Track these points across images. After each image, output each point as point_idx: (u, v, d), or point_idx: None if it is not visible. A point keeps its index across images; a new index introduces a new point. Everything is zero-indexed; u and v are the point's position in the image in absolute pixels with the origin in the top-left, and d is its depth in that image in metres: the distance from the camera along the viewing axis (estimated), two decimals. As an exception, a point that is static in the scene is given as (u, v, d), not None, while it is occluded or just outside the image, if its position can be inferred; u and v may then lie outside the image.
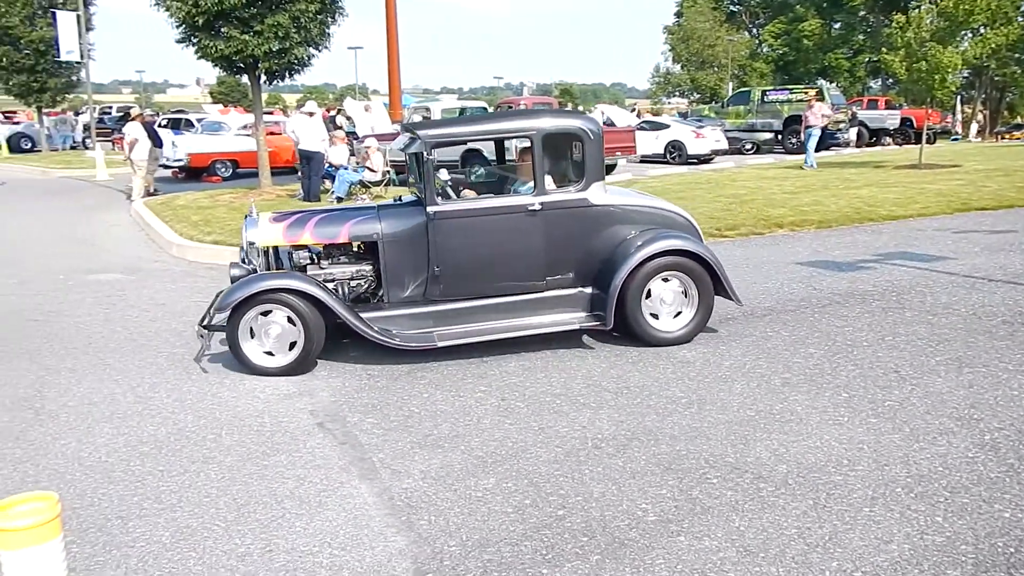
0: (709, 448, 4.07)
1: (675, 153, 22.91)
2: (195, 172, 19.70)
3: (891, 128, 32.53)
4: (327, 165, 14.86)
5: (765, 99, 28.41)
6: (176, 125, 26.58)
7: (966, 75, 67.57)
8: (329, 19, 15.49)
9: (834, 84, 54.31)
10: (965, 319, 6.28)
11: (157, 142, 16.97)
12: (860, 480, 3.68)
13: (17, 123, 38.15)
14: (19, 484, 3.89)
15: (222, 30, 14.57)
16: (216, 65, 15.58)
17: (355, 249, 6.04)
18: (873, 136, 32.56)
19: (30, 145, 34.17)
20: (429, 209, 5.55)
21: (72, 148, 35.11)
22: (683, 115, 33.90)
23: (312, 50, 15.55)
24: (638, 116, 34.04)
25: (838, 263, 8.63)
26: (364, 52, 61.34)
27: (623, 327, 5.87)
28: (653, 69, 72.32)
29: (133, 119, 16.74)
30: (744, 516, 3.39)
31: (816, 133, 19.48)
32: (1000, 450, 3.94)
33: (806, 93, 27.87)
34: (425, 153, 5.51)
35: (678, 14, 70.77)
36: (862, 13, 59.32)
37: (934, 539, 3.17)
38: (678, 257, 5.81)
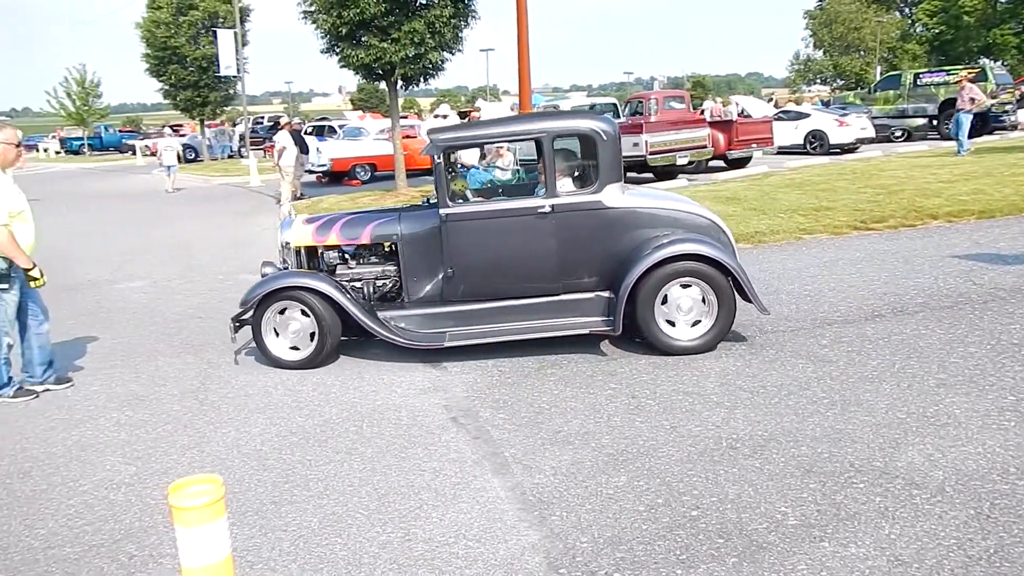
0: (854, 451, 3.87)
1: (816, 143, 21.86)
2: (337, 176, 20.66)
3: (1063, 107, 29.69)
4: (459, 165, 15.19)
5: (918, 82, 26.58)
6: (320, 132, 27.98)
7: None
8: (462, 23, 15.84)
9: (999, 63, 50.26)
10: None
11: (304, 148, 17.91)
12: (1028, 490, 3.39)
13: (183, 135, 41.36)
14: (187, 468, 4.21)
15: (363, 39, 15.20)
16: (357, 73, 16.28)
17: (385, 250, 6.19)
18: (1046, 117, 29.85)
19: (193, 155, 37.00)
20: (441, 211, 5.62)
21: (229, 157, 37.70)
22: (825, 103, 32.26)
23: (446, 54, 15.96)
24: (775, 106, 32.78)
25: (1003, 256, 7.98)
26: (495, 53, 62.29)
27: (638, 333, 5.64)
28: (792, 56, 69.44)
29: (282, 127, 17.73)
30: (895, 524, 3.19)
31: (966, 117, 18.08)
32: None
33: (966, 74, 25.98)
34: (436, 156, 5.60)
35: (820, -2, 67.50)
36: (1033, -18, 54.54)
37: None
38: (694, 262, 5.49)
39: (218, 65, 30.36)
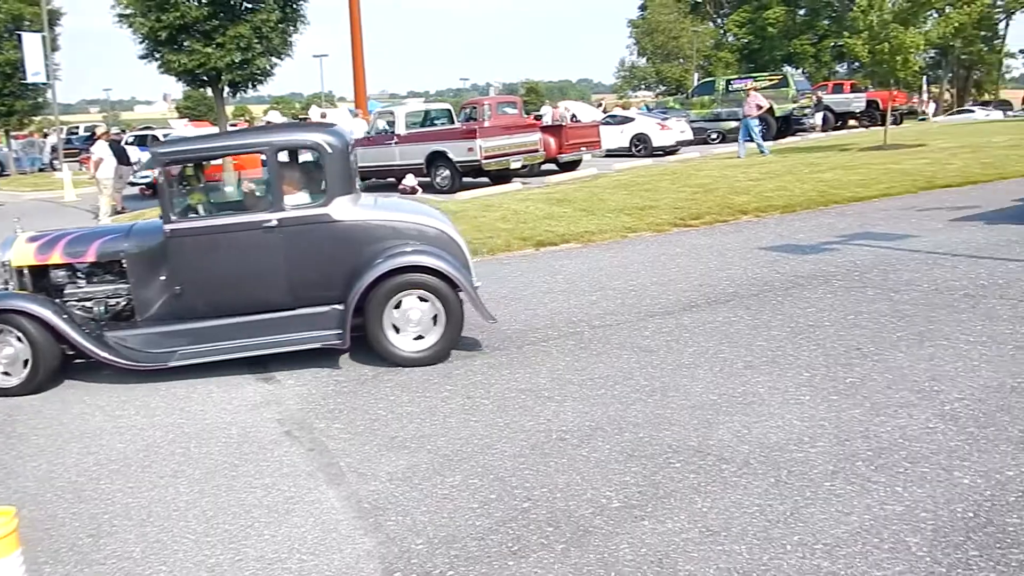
0: (672, 434, 4.14)
1: (640, 146, 23.05)
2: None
3: (857, 111, 32.91)
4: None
5: (730, 88, 28.65)
6: (143, 142, 26.33)
7: (932, 55, 68.49)
8: (291, 28, 15.51)
9: (800, 70, 54.74)
10: (927, 295, 6.40)
11: (124, 160, 16.84)
12: (821, 456, 3.75)
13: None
14: (-14, 509, 3.87)
15: (184, 44, 14.52)
16: (179, 79, 15.57)
17: (117, 267, 5.95)
18: (839, 120, 32.93)
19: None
20: (165, 227, 5.57)
21: (40, 170, 34.72)
22: (649, 108, 34.09)
23: (275, 59, 15.55)
24: (604, 111, 34.18)
25: (802, 246, 8.75)
26: (330, 59, 61.18)
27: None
28: (618, 63, 72.84)
29: (98, 138, 16.61)
30: (707, 497, 3.45)
31: (753, 122, 19.73)
32: (960, 419, 4.03)
33: (769, 80, 28.25)
34: (157, 171, 5.58)
35: (642, 7, 71.11)
36: (826, -1, 59.88)
37: (894, 508, 3.24)
38: (422, 274, 5.53)
39: (24, 71, 27.95)
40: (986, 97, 62.39)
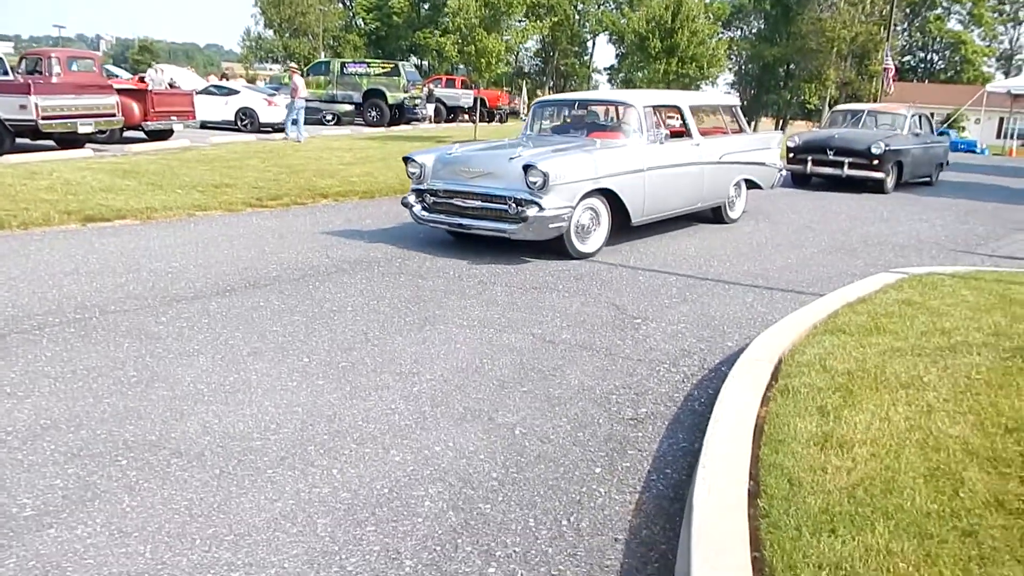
0: (135, 429, 3.88)
1: (247, 120, 22.15)
2: None
3: (466, 106, 35.26)
4: None
5: (345, 71, 28.82)
6: None
7: (537, 63, 75.75)
8: None
9: (420, 61, 56.94)
10: (449, 280, 6.93)
11: None
12: (278, 443, 3.78)
13: None
14: None
15: None
16: None
17: None
18: (451, 113, 35.07)
19: None
20: None
21: None
22: (251, 81, 32.96)
23: None
24: (224, 79, 32.29)
25: (364, 232, 9.01)
26: None
27: None
28: (243, 32, 69.46)
29: None
30: (137, 496, 3.26)
31: (299, 105, 20.07)
32: (420, 400, 4.34)
33: (382, 67, 28.96)
34: None
35: (269, -23, 68.47)
36: (445, -5, 63.16)
37: (321, 491, 3.35)
38: None
39: None
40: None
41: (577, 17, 66.11)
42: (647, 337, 5.54)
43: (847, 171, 14.19)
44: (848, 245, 9.24)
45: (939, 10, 66.91)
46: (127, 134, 17.36)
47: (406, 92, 28.13)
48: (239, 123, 22.10)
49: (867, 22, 46.40)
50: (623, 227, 8.39)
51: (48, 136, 14.17)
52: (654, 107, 8.74)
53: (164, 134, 17.74)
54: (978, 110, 36.64)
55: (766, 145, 10.57)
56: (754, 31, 65.40)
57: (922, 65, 71.72)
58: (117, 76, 31.30)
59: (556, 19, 57.76)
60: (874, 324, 4.74)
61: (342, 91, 28.68)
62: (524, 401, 4.37)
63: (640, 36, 28.49)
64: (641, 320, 5.95)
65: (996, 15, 68.66)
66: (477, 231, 7.71)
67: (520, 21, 20.97)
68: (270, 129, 22.39)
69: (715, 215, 9.96)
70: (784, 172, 11.26)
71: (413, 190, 8.20)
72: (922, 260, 8.49)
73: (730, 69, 68.78)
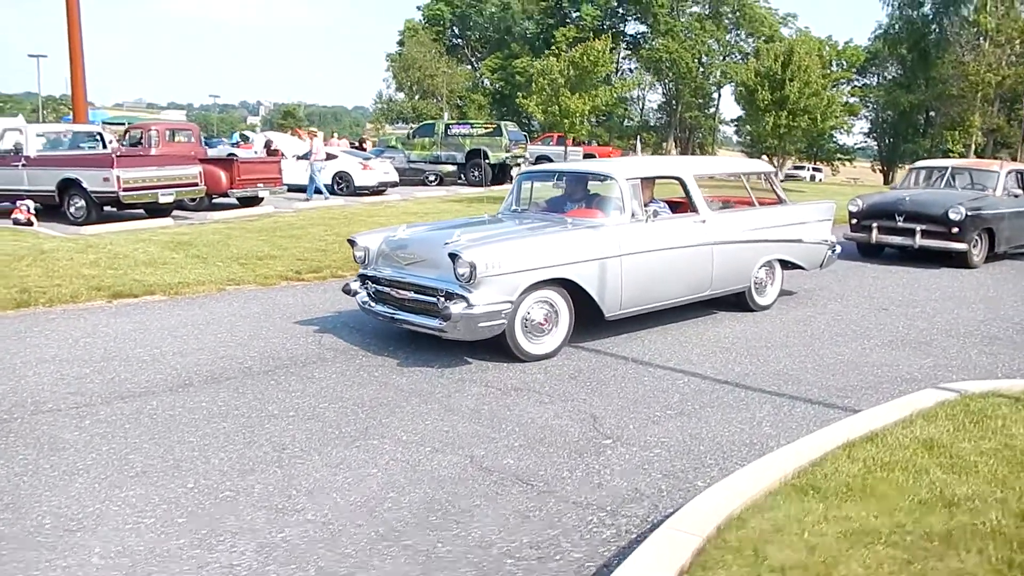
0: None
1: (343, 184, 22.53)
2: None
3: (573, 163, 34.87)
4: None
5: (449, 132, 29.09)
6: None
7: (660, 116, 74.88)
8: None
9: (533, 121, 57.23)
10: (425, 378, 6.23)
11: None
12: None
13: None
14: None
15: None
16: None
17: None
18: (559, 171, 34.68)
19: None
20: None
21: None
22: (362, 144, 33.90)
23: None
24: (359, 145, 33.53)
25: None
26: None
27: None
28: (376, 95, 72.58)
29: None
30: None
31: (316, 167, 20.07)
32: (273, 554, 3.64)
33: (485, 128, 29.04)
34: None
35: (400, 43, 71.67)
36: (567, 55, 63.83)
37: None
38: None
39: None
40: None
41: (701, 69, 64.91)
42: (604, 467, 4.59)
43: (919, 240, 12.02)
44: (925, 335, 7.80)
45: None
46: (220, 201, 17.90)
47: (508, 151, 28.00)
48: (335, 187, 22.51)
49: (1018, 64, 42.68)
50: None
51: (132, 207, 14.70)
52: (643, 179, 7.66)
53: (254, 201, 18.17)
54: None
55: (811, 218, 8.97)
56: (889, 77, 61.75)
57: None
58: (250, 141, 33.24)
59: (676, 73, 56.81)
60: (863, 481, 3.60)
61: (446, 152, 28.92)
62: (396, 563, 3.56)
63: (748, 89, 27.27)
64: (612, 441, 4.99)
65: None
66: (414, 327, 6.79)
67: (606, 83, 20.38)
68: (367, 192, 22.69)
69: (741, 302, 8.48)
70: (839, 250, 9.52)
71: (359, 276, 7.50)
72: (1015, 359, 6.99)
73: (866, 117, 65.32)
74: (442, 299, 6.40)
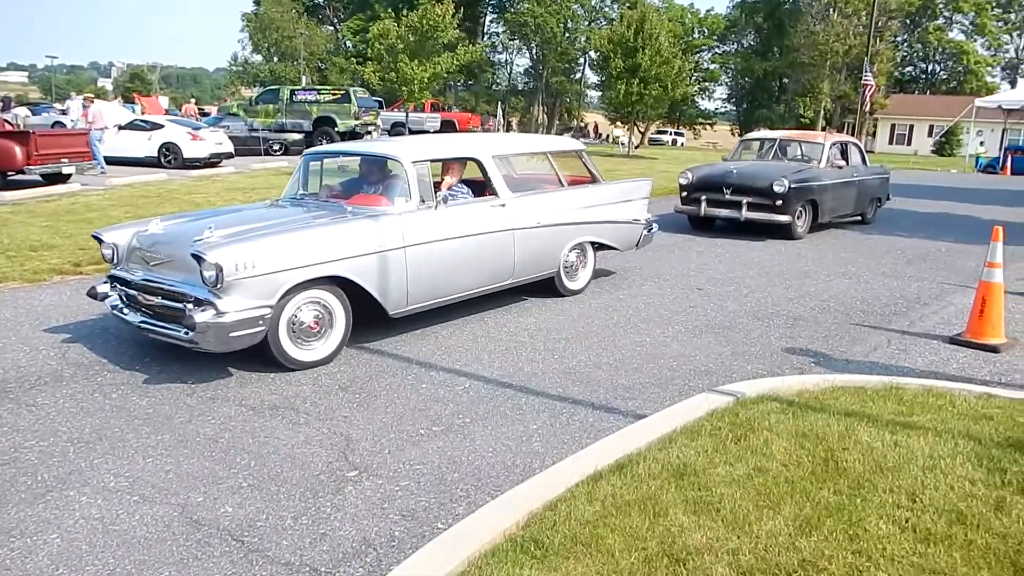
0: None
1: (170, 156, 20.82)
2: None
3: (431, 130, 33.88)
4: None
5: (294, 98, 27.53)
6: None
7: (529, 80, 74.64)
8: None
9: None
10: (171, 396, 5.42)
11: None
12: None
13: None
14: None
15: None
16: None
17: None
18: (416, 138, 33.70)
19: None
20: None
21: None
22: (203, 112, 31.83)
23: None
24: (200, 113, 31.24)
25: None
26: None
27: None
28: (231, 57, 68.65)
29: None
30: None
31: (96, 136, 18.73)
32: None
33: (332, 94, 27.66)
34: None
35: (256, 2, 68.00)
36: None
37: None
38: None
39: None
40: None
41: (567, 34, 64.74)
42: (337, 510, 3.97)
43: (746, 213, 11.98)
44: (731, 319, 7.60)
45: (940, 20, 65.14)
46: (19, 178, 16.02)
47: (357, 119, 26.77)
48: (162, 159, 20.76)
49: (863, 34, 44.75)
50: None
51: None
52: (432, 161, 7.03)
53: (61, 177, 16.39)
54: (977, 121, 34.88)
55: (623, 197, 8.58)
56: (746, 45, 63.84)
57: (923, 76, 69.86)
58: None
59: (541, 38, 56.63)
60: (593, 531, 3.13)
61: (291, 119, 27.41)
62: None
63: (603, 56, 27.08)
64: (357, 472, 4.38)
65: (1000, 24, 66.77)
66: (166, 338, 5.83)
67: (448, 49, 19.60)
68: (200, 164, 21.06)
69: (551, 287, 8.02)
70: (655, 228, 9.27)
71: (108, 277, 6.59)
72: (813, 342, 6.86)
73: (726, 83, 67.36)
74: (190, 306, 5.57)
